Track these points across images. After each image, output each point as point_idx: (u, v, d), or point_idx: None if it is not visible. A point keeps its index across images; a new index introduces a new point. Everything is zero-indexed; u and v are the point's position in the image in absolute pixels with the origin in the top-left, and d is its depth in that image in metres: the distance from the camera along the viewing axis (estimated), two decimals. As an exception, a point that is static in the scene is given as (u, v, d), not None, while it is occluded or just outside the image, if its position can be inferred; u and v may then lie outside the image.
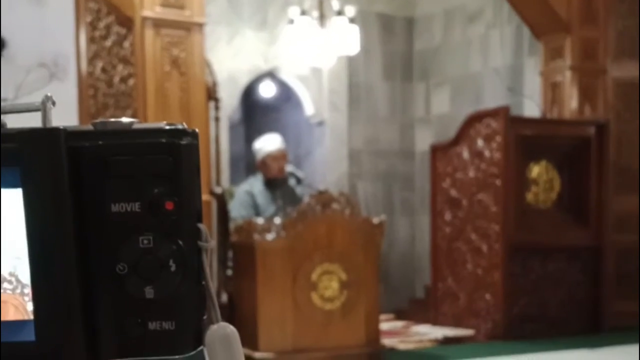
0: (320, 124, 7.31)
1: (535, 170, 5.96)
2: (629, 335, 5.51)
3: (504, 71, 7.17)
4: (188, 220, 0.52)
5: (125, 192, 0.51)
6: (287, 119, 7.42)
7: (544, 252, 5.79)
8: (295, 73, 7.21)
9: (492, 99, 7.05)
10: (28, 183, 0.51)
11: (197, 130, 0.53)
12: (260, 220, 4.69)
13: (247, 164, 6.86)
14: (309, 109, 7.30)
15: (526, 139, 5.87)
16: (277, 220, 4.67)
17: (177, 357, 0.53)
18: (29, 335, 0.52)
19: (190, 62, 4.86)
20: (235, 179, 6.63)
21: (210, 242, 0.53)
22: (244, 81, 7.01)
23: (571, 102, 6.47)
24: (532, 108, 6.82)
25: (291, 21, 6.85)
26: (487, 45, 7.38)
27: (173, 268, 0.51)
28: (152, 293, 0.51)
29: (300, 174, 5.57)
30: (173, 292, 0.52)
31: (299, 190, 5.37)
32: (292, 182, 5.40)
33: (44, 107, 0.52)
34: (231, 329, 0.54)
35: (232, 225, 4.99)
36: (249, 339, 4.50)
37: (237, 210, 5.20)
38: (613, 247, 6.02)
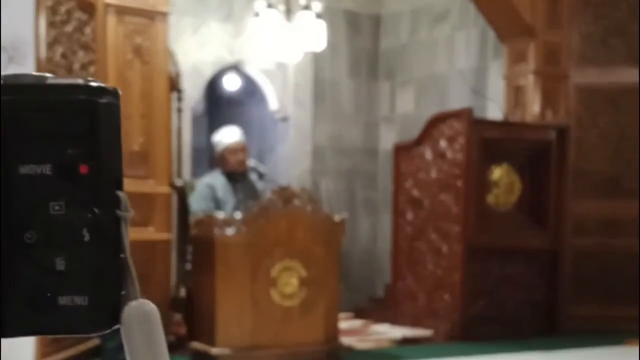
0: (285, 119, 7.27)
1: (497, 172, 5.99)
2: (583, 339, 5.57)
3: (469, 73, 7.21)
4: (105, 186, 0.48)
5: (36, 153, 0.46)
6: (251, 113, 7.36)
7: (503, 254, 5.83)
8: (261, 67, 7.16)
9: (456, 101, 7.08)
10: None
11: (119, 90, 0.50)
12: (220, 215, 4.63)
13: (209, 157, 6.78)
14: (273, 103, 7.25)
15: (488, 141, 5.90)
16: (238, 214, 4.61)
17: (90, 335, 0.48)
18: None
19: (153, 51, 4.77)
20: (197, 172, 6.56)
21: (131, 211, 0.49)
22: (208, 73, 6.93)
23: (533, 106, 6.52)
24: (495, 111, 6.86)
25: (257, 14, 6.80)
26: (452, 47, 7.41)
27: (87, 238, 0.47)
28: (63, 265, 0.47)
29: (262, 168, 5.52)
30: (87, 264, 0.48)
31: (260, 185, 5.32)
32: (253, 176, 5.35)
33: None
34: (151, 306, 0.50)
35: (192, 219, 4.92)
36: (207, 334, 4.45)
37: (197, 203, 5.13)
38: (571, 251, 6.09)
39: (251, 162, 5.39)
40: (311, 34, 6.92)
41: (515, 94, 6.69)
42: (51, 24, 4.18)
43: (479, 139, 5.85)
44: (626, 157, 6.40)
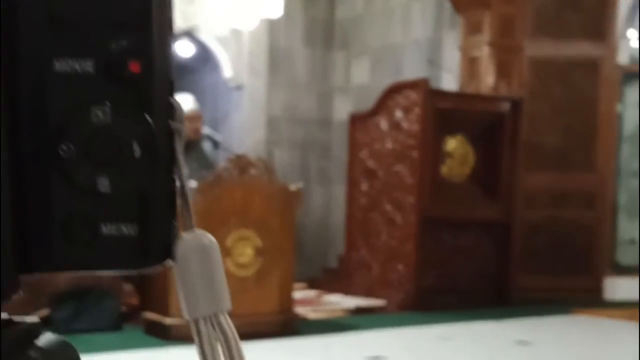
0: (239, 88, 7.17)
1: (451, 143, 6.01)
2: (533, 309, 5.67)
3: (425, 43, 7.19)
4: (159, 89, 0.40)
5: (75, 45, 0.37)
6: (205, 80, 7.24)
7: (456, 225, 5.87)
8: (215, 34, 7.03)
9: (412, 71, 7.07)
10: None
11: None
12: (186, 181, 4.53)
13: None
14: (227, 71, 7.14)
15: (443, 112, 5.91)
16: (192, 183, 4.54)
17: (139, 271, 0.41)
18: None
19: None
20: (148, 140, 6.43)
21: (185, 123, 0.43)
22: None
23: (488, 78, 6.54)
24: (450, 82, 6.87)
25: (211, -21, 6.69)
26: (408, 17, 7.38)
27: (138, 153, 0.39)
28: (107, 186, 0.39)
29: (217, 137, 5.44)
30: (137, 186, 0.39)
31: (215, 153, 5.24)
32: (208, 145, 5.26)
33: None
34: (209, 238, 0.43)
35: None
36: (160, 304, 4.39)
37: (149, 172, 5.01)
38: (522, 223, 6.16)
39: (205, 130, 5.30)
40: (266, 1, 6.82)
41: (470, 65, 6.70)
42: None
43: (434, 110, 5.86)
44: (577, 131, 6.49)
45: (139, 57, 0.39)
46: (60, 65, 0.38)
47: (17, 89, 0.38)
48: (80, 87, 0.38)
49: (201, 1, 6.87)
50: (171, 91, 0.41)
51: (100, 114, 0.38)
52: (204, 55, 7.17)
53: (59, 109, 0.38)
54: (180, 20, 6.88)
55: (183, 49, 7.10)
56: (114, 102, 0.39)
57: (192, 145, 5.07)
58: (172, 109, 0.41)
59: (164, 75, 0.40)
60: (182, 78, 6.97)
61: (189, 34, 7.00)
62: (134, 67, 0.39)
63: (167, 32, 0.40)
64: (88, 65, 0.38)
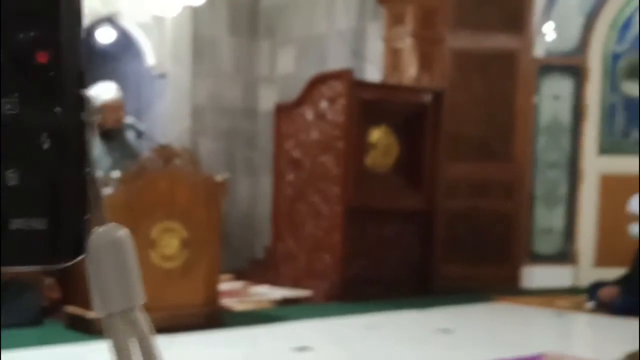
0: (162, 76, 7.06)
1: (376, 134, 6.08)
2: (455, 297, 5.82)
3: (348, 34, 7.23)
4: (68, 80, 0.38)
5: None
6: (127, 68, 7.09)
7: (381, 215, 5.95)
8: (137, 20, 6.89)
9: (336, 61, 7.10)
10: None
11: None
12: (96, 174, 4.44)
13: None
14: (150, 59, 7.01)
15: (367, 103, 5.96)
16: (115, 174, 4.45)
17: (49, 267, 0.40)
18: None
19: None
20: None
21: (97, 115, 0.42)
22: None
23: (410, 69, 6.63)
24: (373, 73, 6.93)
25: (133, -35, 6.56)
26: (332, 7, 7.40)
27: (47, 145, 0.38)
28: (16, 178, 0.38)
29: (141, 126, 5.34)
30: (46, 179, 0.38)
31: (138, 143, 5.14)
32: (131, 134, 5.16)
33: None
34: (122, 232, 0.42)
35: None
36: (82, 298, 4.30)
37: (70, 162, 4.89)
38: (444, 212, 6.29)
39: (129, 119, 5.19)
40: (189, -12, 6.74)
41: (393, 56, 6.78)
42: None
43: (359, 101, 5.90)
44: (497, 122, 6.65)
45: (47, 48, 0.38)
46: None
47: None
48: None
49: (122, -14, 6.73)
50: (81, 82, 0.40)
51: (8, 106, 0.37)
52: (126, 42, 7.03)
53: None
54: (100, 6, 6.72)
55: (104, 35, 6.94)
56: (22, 94, 0.37)
57: (115, 135, 4.96)
58: (82, 100, 0.40)
59: (74, 66, 0.39)
60: (104, 65, 6.81)
61: (110, 20, 6.84)
62: (42, 57, 0.37)
63: (76, 22, 0.39)
64: None
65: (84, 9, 0.39)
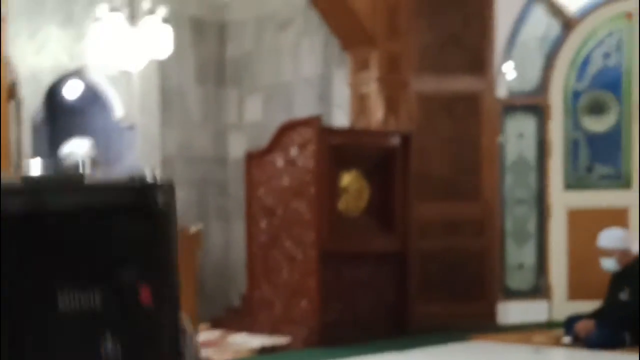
0: (131, 127, 7.06)
1: (346, 178, 6.14)
2: (432, 337, 5.84)
3: (315, 80, 7.33)
4: (170, 314, 0.35)
5: (78, 276, 0.34)
6: (95, 121, 7.08)
7: (355, 258, 5.98)
8: (104, 73, 6.91)
9: (304, 108, 7.18)
10: None
11: (172, 181, 0.41)
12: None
13: (53, 167, 6.47)
14: (118, 111, 7.02)
15: (337, 148, 6.02)
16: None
17: None
18: None
19: (-12, 59, 4.50)
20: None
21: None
22: (47, 80, 6.61)
23: (377, 113, 6.73)
24: (341, 117, 7.02)
25: (99, 18, 6.58)
26: (298, 54, 7.50)
27: None
28: None
29: (113, 180, 5.33)
30: None
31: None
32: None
33: None
34: None
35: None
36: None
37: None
38: (417, 253, 6.34)
39: (100, 174, 5.19)
40: (156, 40, 6.78)
41: (360, 101, 6.88)
42: None
43: (328, 146, 5.96)
44: (464, 162, 6.76)
45: (149, 286, 0.36)
46: (63, 301, 0.32)
47: (18, 330, 0.32)
48: (86, 320, 0.31)
49: (89, 41, 6.75)
50: (177, 316, 0.39)
51: (110, 348, 0.32)
52: (94, 95, 7.03)
53: (66, 349, 0.31)
54: (67, 60, 6.73)
55: (72, 90, 6.95)
56: (124, 335, 0.32)
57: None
58: (180, 334, 0.39)
59: (176, 300, 0.38)
60: (72, 119, 6.81)
61: (78, 74, 6.85)
62: (145, 295, 0.36)
63: (175, 250, 0.39)
64: (94, 298, 0.34)
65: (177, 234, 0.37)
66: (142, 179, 0.37)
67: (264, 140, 6.41)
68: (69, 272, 0.34)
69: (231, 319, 6.34)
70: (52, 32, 6.68)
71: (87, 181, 0.37)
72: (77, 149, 4.97)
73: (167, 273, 0.37)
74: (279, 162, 6.10)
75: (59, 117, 7.14)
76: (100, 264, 0.34)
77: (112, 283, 0.34)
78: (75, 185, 0.36)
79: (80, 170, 4.51)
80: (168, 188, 0.38)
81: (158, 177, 0.37)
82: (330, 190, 5.95)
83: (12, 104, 5.22)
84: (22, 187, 0.35)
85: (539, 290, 6.85)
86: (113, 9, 6.60)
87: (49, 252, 0.34)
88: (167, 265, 0.37)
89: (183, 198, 7.22)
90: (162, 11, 6.71)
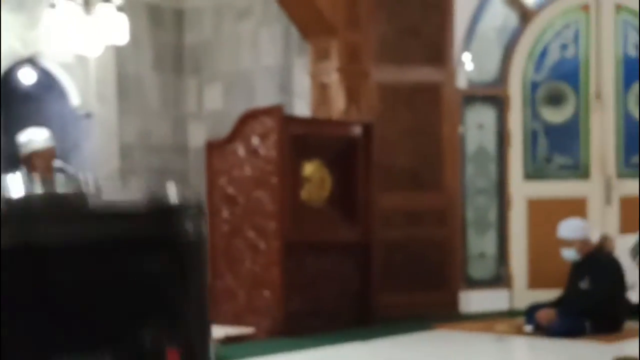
0: (88, 115, 6.89)
1: (309, 168, 6.10)
2: (397, 326, 5.84)
3: (275, 69, 7.26)
4: None
5: (81, 337, 0.26)
6: (51, 109, 6.89)
7: (318, 248, 5.94)
8: (59, 60, 6.73)
9: (264, 97, 7.11)
10: None
11: (201, 200, 0.34)
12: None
13: (7, 156, 6.27)
14: (74, 99, 6.85)
15: (299, 138, 5.98)
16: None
17: None
18: None
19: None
20: (-6, 173, 6.02)
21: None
22: (0, 67, 6.41)
23: (338, 103, 6.71)
24: (302, 107, 6.97)
25: (52, 5, 6.42)
26: (257, 43, 7.42)
27: None
28: None
29: (70, 170, 5.19)
30: None
31: (68, 187, 5.00)
32: (60, 178, 5.02)
33: None
34: None
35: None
36: None
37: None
38: (380, 242, 6.33)
39: (57, 163, 5.05)
40: (112, 27, 6.64)
41: (321, 90, 6.84)
42: None
43: (290, 136, 5.91)
44: (425, 152, 6.78)
45: (179, 349, 0.30)
46: None
47: None
48: None
49: (43, 28, 6.57)
50: None
51: None
52: (49, 83, 6.84)
53: None
54: (21, 47, 6.54)
55: (26, 77, 6.75)
56: None
57: (46, 182, 4.85)
58: None
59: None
60: (26, 106, 6.62)
61: (32, 61, 6.66)
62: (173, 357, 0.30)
63: (206, 291, 0.33)
64: None
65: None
66: (164, 201, 0.28)
67: (224, 130, 6.33)
68: (68, 332, 0.26)
69: (193, 311, 6.24)
70: (4, 18, 6.48)
71: (91, 205, 0.29)
72: (33, 140, 4.83)
73: (202, 330, 0.29)
74: (241, 151, 6.02)
75: (13, 104, 6.93)
76: (112, 321, 0.26)
77: (129, 346, 0.25)
78: (77, 211, 0.28)
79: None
80: (198, 210, 0.30)
81: (184, 196, 0.30)
82: (292, 180, 5.90)
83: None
84: (6, 213, 0.27)
85: (500, 279, 6.91)
86: (67, -4, 6.44)
87: (40, 302, 0.26)
88: (202, 320, 0.29)
89: (143, 188, 7.09)
90: (117, -3, 6.57)
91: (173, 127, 7.57)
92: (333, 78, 6.76)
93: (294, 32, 7.03)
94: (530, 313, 5.54)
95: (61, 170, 5.02)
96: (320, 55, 6.86)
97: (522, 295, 6.73)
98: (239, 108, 6.60)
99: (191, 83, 7.72)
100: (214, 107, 7.57)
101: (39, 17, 6.59)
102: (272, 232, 5.77)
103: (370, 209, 6.29)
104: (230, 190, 6.05)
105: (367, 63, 6.73)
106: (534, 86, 7.06)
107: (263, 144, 5.92)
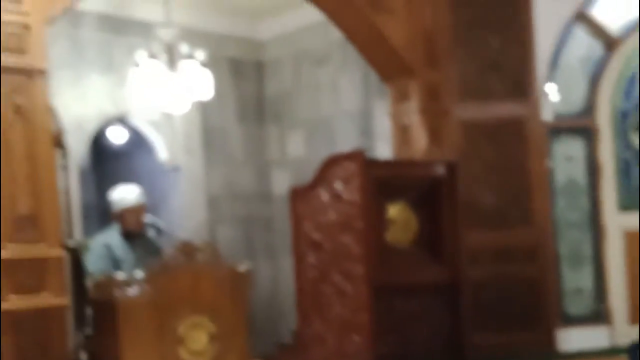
0: (175, 169, 7.12)
1: (393, 210, 6.08)
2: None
3: (356, 113, 7.32)
4: None
5: None
6: (140, 164, 7.16)
7: (406, 290, 5.88)
8: (147, 118, 6.99)
9: (346, 142, 7.17)
10: None
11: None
12: (120, 275, 4.47)
13: (100, 213, 6.54)
14: (162, 154, 7.09)
15: (382, 180, 5.97)
16: (139, 273, 4.46)
17: None
18: None
19: (34, 110, 4.61)
20: (88, 230, 6.29)
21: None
22: (92, 127, 6.71)
23: (420, 143, 6.68)
24: (384, 150, 6.98)
25: (137, 64, 6.66)
26: (337, 88, 7.52)
27: None
28: None
29: (160, 224, 5.39)
30: None
31: (159, 241, 5.20)
32: (152, 232, 5.22)
33: None
34: None
35: (89, 281, 4.71)
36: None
37: (94, 263, 4.94)
38: (468, 282, 6.21)
39: (148, 218, 5.25)
40: (196, 83, 6.84)
41: (402, 132, 6.84)
42: None
43: (373, 179, 5.90)
44: (512, 187, 6.65)
45: None
46: None
47: None
48: None
49: (130, 86, 6.85)
50: None
51: None
52: (138, 139, 7.12)
53: None
54: (110, 106, 6.84)
55: (116, 135, 7.04)
56: None
57: (137, 234, 5.06)
58: None
59: None
60: (117, 163, 6.89)
61: (121, 120, 6.94)
62: None
63: None
64: None
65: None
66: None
67: (307, 176, 6.39)
68: None
69: (283, 356, 6.28)
70: (94, 80, 6.79)
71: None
72: (124, 197, 5.05)
73: None
74: (324, 196, 6.06)
75: (105, 162, 7.24)
76: None
77: None
78: None
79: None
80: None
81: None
82: (377, 222, 5.88)
83: (58, 153, 5.29)
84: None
85: (599, 315, 6.65)
86: (152, 55, 6.67)
87: None
88: None
89: (230, 236, 7.22)
90: (200, 55, 6.77)
91: (257, 176, 7.71)
92: (414, 119, 6.75)
93: (372, 75, 7.09)
94: (633, 351, 5.28)
95: (152, 224, 5.22)
96: (400, 97, 6.87)
97: (623, 330, 6.44)
98: (321, 153, 6.67)
99: (273, 131, 7.87)
100: (296, 153, 7.68)
101: (126, 76, 6.87)
102: (359, 276, 5.75)
103: (457, 248, 6.20)
104: (316, 235, 6.08)
105: (448, 101, 6.69)
106: (624, 115, 6.86)
107: (346, 188, 5.94)
